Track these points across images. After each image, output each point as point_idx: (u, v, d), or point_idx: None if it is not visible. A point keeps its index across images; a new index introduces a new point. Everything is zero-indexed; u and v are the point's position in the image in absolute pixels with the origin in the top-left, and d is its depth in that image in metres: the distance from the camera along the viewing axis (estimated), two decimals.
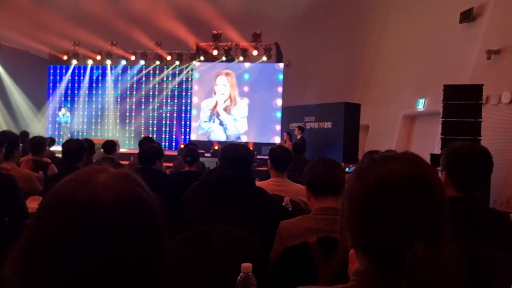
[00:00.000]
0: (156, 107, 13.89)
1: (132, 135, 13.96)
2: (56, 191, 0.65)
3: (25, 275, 0.60)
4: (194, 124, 13.45)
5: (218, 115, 13.13)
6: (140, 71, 13.94)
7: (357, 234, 0.84)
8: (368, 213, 0.81)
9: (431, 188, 0.81)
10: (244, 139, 12.90)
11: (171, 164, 6.48)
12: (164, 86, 13.84)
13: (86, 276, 0.59)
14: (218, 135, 13.16)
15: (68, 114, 12.96)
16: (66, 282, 0.59)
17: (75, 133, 13.86)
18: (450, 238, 0.81)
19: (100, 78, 14.15)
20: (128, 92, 14.02)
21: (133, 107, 14.02)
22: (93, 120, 14.20)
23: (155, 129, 13.96)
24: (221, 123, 13.18)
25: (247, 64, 13.08)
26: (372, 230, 0.80)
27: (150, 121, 13.98)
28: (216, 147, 10.80)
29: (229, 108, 13.06)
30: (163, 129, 13.95)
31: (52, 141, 8.10)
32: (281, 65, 13.01)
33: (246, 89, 13.11)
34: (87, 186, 0.63)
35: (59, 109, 13.41)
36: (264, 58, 12.83)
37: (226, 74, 13.13)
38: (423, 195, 0.79)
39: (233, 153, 2.45)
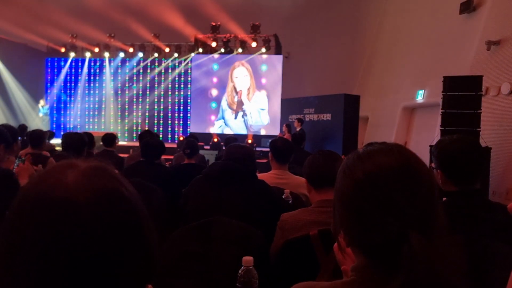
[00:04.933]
0: (155, 100, 13.86)
1: (134, 128, 13.96)
2: (26, 194, 0.61)
3: (4, 279, 0.58)
4: (192, 116, 13.51)
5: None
6: (138, 63, 13.88)
7: (351, 232, 0.84)
8: (359, 210, 0.80)
9: (419, 176, 0.80)
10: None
11: (171, 157, 6.48)
12: (163, 78, 13.80)
13: (68, 277, 0.57)
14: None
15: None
16: (47, 285, 0.57)
17: (72, 126, 13.85)
18: (446, 228, 0.81)
19: (98, 70, 14.10)
20: (127, 85, 13.97)
21: (134, 99, 13.98)
22: (92, 113, 14.18)
23: (154, 121, 13.94)
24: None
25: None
26: (366, 226, 0.79)
27: (147, 114, 13.95)
28: (216, 140, 10.78)
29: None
30: (162, 121, 13.93)
31: (51, 134, 8.09)
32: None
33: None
34: (58, 187, 0.60)
35: (56, 102, 13.36)
36: (263, 50, 12.78)
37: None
38: (412, 184, 0.79)
39: (238, 151, 2.48)
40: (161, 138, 5.75)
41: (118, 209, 0.62)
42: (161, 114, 13.90)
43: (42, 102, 12.74)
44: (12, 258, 0.58)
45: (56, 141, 8.26)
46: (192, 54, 13.41)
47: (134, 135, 13.74)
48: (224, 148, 8.38)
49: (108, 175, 0.65)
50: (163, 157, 4.57)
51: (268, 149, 3.17)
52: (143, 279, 0.65)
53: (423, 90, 9.10)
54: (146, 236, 0.65)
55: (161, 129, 13.78)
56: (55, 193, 0.59)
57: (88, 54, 13.83)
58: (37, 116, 12.93)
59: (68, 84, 14.27)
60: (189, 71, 13.62)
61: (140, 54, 13.61)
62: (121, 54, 13.65)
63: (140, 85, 13.90)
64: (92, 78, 14.13)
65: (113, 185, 0.64)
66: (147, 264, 0.65)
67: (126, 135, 13.91)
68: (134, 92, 13.94)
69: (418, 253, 0.71)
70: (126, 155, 6.19)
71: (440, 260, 0.73)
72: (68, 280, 0.57)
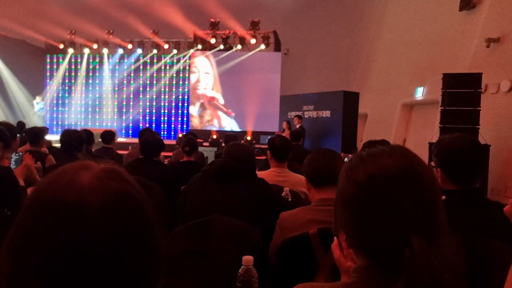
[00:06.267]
0: (154, 96, 13.83)
1: (130, 125, 13.94)
2: (38, 195, 0.61)
3: (14, 278, 0.58)
4: (191, 113, 13.52)
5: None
6: (137, 59, 13.84)
7: (353, 234, 0.83)
8: (361, 212, 0.80)
9: (422, 179, 0.80)
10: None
11: (170, 154, 6.47)
12: (162, 75, 13.77)
13: (79, 279, 0.57)
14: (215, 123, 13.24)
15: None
16: (57, 286, 0.56)
17: (72, 123, 13.83)
18: (447, 229, 0.80)
19: (97, 67, 14.06)
20: (126, 81, 13.94)
21: (131, 96, 13.95)
22: (90, 109, 14.14)
23: (153, 118, 13.92)
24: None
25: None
26: (368, 229, 0.79)
27: (148, 110, 13.93)
28: (215, 136, 10.77)
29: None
30: (161, 118, 13.91)
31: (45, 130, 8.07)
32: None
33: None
34: (72, 189, 0.60)
35: (58, 98, 13.33)
36: (262, 47, 12.75)
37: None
38: (415, 187, 0.78)
39: (238, 149, 2.48)
40: (164, 135, 5.74)
41: (130, 212, 0.62)
42: (161, 111, 13.88)
43: (38, 99, 12.71)
44: (22, 256, 0.58)
45: (51, 137, 8.24)
46: (191, 51, 13.38)
47: (131, 131, 13.74)
48: (223, 145, 8.39)
49: (121, 178, 0.65)
50: (162, 153, 4.56)
51: (267, 146, 3.16)
52: (152, 281, 0.65)
53: (422, 87, 9.09)
54: (155, 240, 0.65)
55: (160, 125, 13.77)
56: (68, 194, 0.59)
57: (87, 51, 13.79)
58: (34, 113, 12.91)
59: (67, 81, 14.22)
60: (188, 68, 13.59)
61: (139, 51, 13.58)
62: (120, 51, 13.61)
63: (140, 82, 13.86)
64: (91, 74, 14.09)
65: (126, 188, 0.64)
66: (156, 267, 0.65)
67: (123, 131, 13.89)
68: (132, 88, 13.91)
69: (420, 257, 0.71)
70: (125, 152, 6.18)
71: (441, 261, 0.73)
72: (79, 282, 0.57)
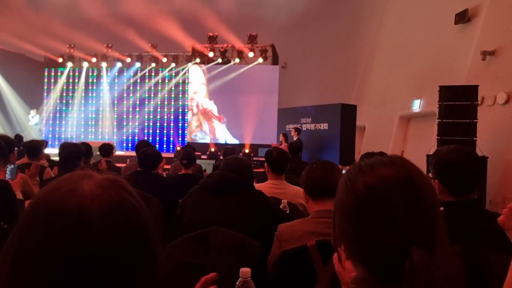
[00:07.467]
0: (152, 109, 13.86)
1: (129, 138, 13.94)
2: (39, 201, 0.61)
3: (13, 283, 0.57)
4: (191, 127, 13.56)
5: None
6: (136, 73, 13.90)
7: (352, 245, 0.82)
8: (360, 223, 0.79)
9: (421, 190, 0.79)
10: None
11: (168, 167, 6.47)
12: (160, 88, 13.82)
13: (77, 286, 0.57)
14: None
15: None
16: None
17: (69, 136, 13.81)
18: (446, 239, 0.80)
19: (95, 80, 14.11)
20: (124, 95, 13.98)
21: (130, 109, 13.98)
22: (89, 122, 14.15)
23: (150, 131, 13.92)
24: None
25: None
26: (367, 240, 0.78)
27: (146, 123, 13.95)
28: (213, 149, 10.78)
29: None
30: (159, 131, 13.92)
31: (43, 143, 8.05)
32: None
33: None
34: (73, 196, 0.60)
35: (59, 111, 13.36)
36: (260, 60, 12.84)
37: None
38: (414, 198, 0.78)
39: (236, 163, 2.49)
40: (162, 148, 5.74)
41: (130, 222, 0.63)
42: (158, 124, 13.89)
43: (32, 112, 12.71)
44: (21, 262, 0.58)
45: (49, 150, 8.23)
46: (190, 64, 13.46)
47: (130, 144, 13.73)
48: (221, 157, 8.39)
49: (122, 188, 0.66)
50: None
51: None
52: None
53: (419, 100, 9.15)
54: (154, 250, 0.66)
55: (157, 138, 13.76)
56: (69, 201, 0.60)
57: (85, 64, 13.85)
58: (30, 126, 12.89)
59: (64, 94, 14.25)
60: (187, 81, 13.66)
61: (138, 64, 13.65)
62: (119, 64, 13.68)
63: (138, 95, 13.91)
64: (89, 88, 14.13)
65: (127, 198, 0.65)
66: (154, 276, 0.65)
67: (124, 144, 13.89)
68: (131, 102, 13.95)
69: (419, 269, 0.70)
70: (123, 165, 6.17)
71: (441, 272, 0.73)
72: None
